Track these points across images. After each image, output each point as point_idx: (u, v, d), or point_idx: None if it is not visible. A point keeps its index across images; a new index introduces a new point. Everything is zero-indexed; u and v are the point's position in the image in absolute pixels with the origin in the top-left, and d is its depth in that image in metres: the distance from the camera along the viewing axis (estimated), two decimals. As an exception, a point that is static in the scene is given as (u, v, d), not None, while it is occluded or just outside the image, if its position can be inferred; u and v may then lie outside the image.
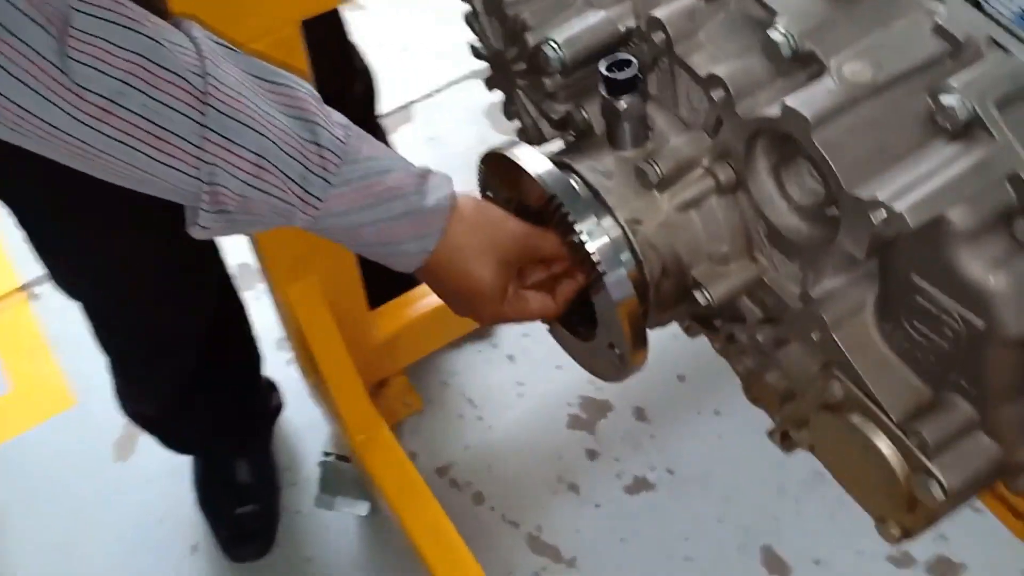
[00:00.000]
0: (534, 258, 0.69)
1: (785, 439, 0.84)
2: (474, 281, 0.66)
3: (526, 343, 1.71)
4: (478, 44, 0.80)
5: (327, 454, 1.44)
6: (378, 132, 1.45)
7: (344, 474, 1.43)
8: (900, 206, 0.56)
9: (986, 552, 1.48)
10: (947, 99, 0.57)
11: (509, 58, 0.75)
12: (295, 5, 0.87)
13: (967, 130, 0.57)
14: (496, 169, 0.71)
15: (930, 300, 0.61)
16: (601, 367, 0.75)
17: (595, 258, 0.65)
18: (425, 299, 1.41)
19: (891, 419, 0.67)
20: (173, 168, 0.56)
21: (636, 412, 1.64)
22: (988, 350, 0.60)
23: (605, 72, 0.65)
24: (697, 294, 0.69)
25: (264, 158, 0.57)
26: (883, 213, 0.56)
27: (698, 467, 1.58)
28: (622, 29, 0.70)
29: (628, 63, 0.65)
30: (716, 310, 0.73)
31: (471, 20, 0.79)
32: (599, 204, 0.67)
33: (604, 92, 0.66)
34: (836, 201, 0.60)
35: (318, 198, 0.60)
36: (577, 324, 0.75)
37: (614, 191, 0.67)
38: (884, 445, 0.68)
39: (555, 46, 0.69)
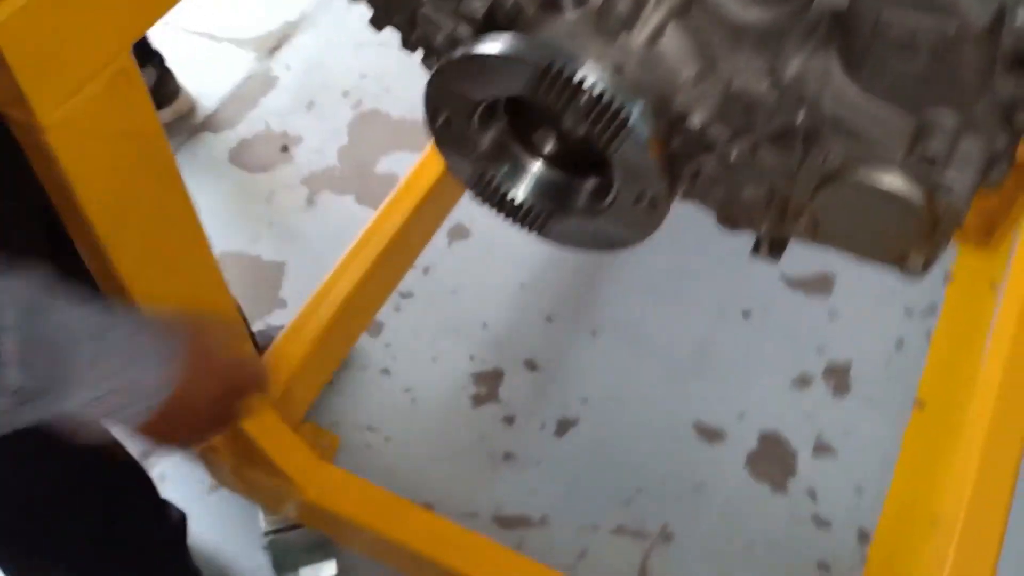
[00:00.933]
0: None
1: (774, 247, 0.88)
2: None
3: (391, 352, 1.66)
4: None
5: (269, 533, 1.33)
6: None
7: (296, 543, 1.33)
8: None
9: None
10: None
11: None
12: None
13: None
14: (457, 78, 0.68)
15: (901, 27, 0.67)
16: (625, 231, 0.75)
17: (615, 100, 0.65)
18: (297, 343, 1.33)
19: (894, 157, 0.72)
20: None
21: (527, 365, 1.65)
22: (962, 49, 0.67)
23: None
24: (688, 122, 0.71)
25: None
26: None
27: (605, 386, 1.62)
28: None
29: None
30: (694, 143, 0.75)
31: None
32: (586, 57, 0.66)
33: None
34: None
35: None
36: (575, 205, 0.74)
37: (588, 48, 0.67)
38: (896, 183, 0.73)
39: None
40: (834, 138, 0.73)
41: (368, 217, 1.43)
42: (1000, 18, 0.65)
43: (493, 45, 0.66)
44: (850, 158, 0.74)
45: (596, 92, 0.65)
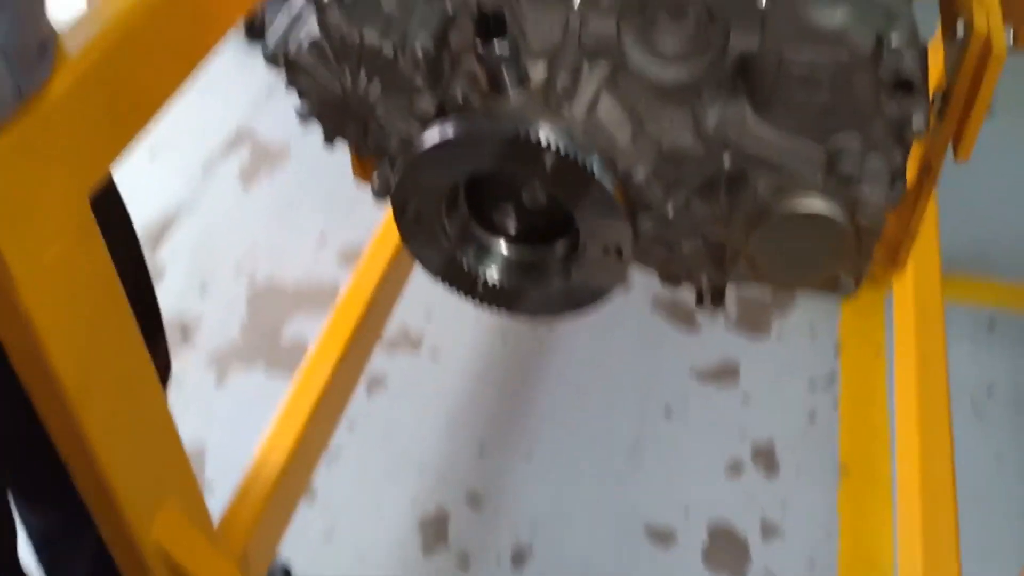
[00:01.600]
0: None
1: (715, 296, 0.95)
2: None
3: (330, 515, 1.62)
4: (305, 104, 0.81)
5: None
6: None
7: None
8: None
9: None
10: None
11: (357, 86, 0.78)
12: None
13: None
14: (428, 166, 0.73)
15: (801, 63, 0.77)
16: (596, 284, 0.79)
17: (577, 155, 0.71)
18: (254, 493, 1.29)
19: (814, 183, 0.81)
20: None
21: (470, 499, 1.64)
22: (854, 75, 0.77)
23: (479, 27, 0.72)
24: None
25: None
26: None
27: (550, 506, 1.62)
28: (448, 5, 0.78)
29: (495, 15, 0.73)
30: (634, 202, 0.82)
31: (296, 78, 0.80)
32: (542, 125, 0.73)
33: (481, 47, 0.73)
34: (712, 15, 0.73)
35: None
36: (545, 272, 0.79)
37: (538, 120, 0.74)
38: (820, 205, 0.82)
39: (416, 45, 0.74)
40: (758, 175, 0.82)
41: (281, 386, 1.43)
42: (880, 42, 0.76)
43: (458, 127, 0.72)
44: (775, 190, 0.82)
45: (561, 151, 0.71)
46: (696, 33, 0.76)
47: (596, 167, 0.73)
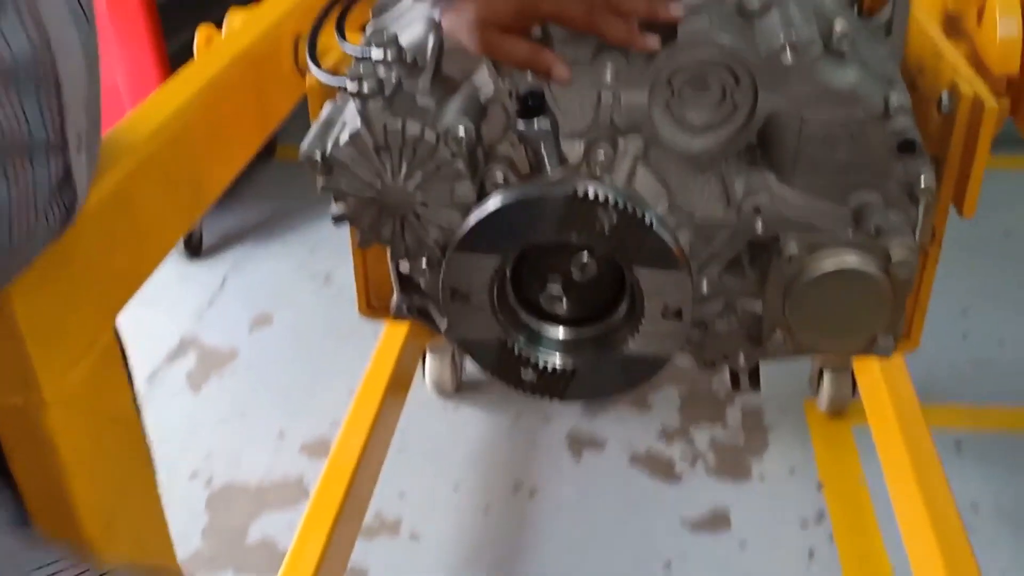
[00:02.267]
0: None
1: (752, 376, 0.94)
2: None
3: None
4: (341, 206, 0.81)
5: None
6: None
7: None
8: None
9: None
10: None
11: (397, 178, 0.78)
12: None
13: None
14: (480, 239, 0.73)
15: (819, 122, 0.81)
16: (655, 351, 0.78)
17: (636, 209, 0.71)
18: None
19: (844, 238, 0.84)
20: None
21: None
22: (869, 132, 0.82)
23: (520, 106, 0.75)
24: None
25: None
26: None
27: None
28: (484, 94, 0.80)
29: (533, 93, 0.75)
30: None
31: (334, 178, 0.79)
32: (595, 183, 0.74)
33: (523, 124, 0.75)
34: (738, 81, 0.77)
35: None
36: (603, 345, 0.78)
37: (590, 181, 0.75)
38: (853, 259, 0.84)
39: (458, 128, 0.75)
40: (789, 237, 0.84)
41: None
42: (887, 102, 0.81)
43: (512, 194, 0.73)
44: (808, 250, 0.84)
45: (620, 204, 0.72)
46: (721, 100, 0.80)
47: (655, 219, 0.74)
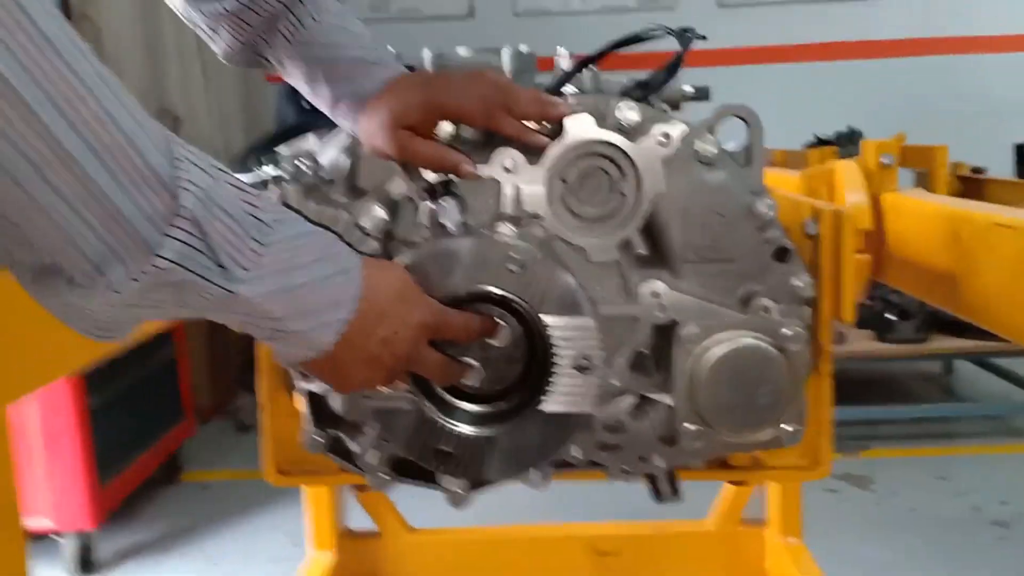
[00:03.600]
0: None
1: (672, 482, 0.94)
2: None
3: None
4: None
5: None
6: None
7: None
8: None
9: None
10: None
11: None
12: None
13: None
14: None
15: (699, 209, 0.90)
16: (571, 409, 0.78)
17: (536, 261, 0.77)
18: None
19: (737, 320, 0.90)
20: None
21: None
22: (740, 222, 0.90)
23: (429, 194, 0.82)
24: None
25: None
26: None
27: None
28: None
29: (443, 182, 0.83)
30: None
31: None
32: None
33: (433, 205, 0.81)
34: (622, 171, 0.87)
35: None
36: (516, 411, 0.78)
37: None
38: (748, 340, 0.89)
39: (373, 208, 0.81)
40: (688, 323, 0.89)
41: None
42: (752, 202, 0.91)
43: (427, 247, 0.77)
44: (705, 331, 0.89)
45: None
46: (610, 190, 0.88)
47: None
